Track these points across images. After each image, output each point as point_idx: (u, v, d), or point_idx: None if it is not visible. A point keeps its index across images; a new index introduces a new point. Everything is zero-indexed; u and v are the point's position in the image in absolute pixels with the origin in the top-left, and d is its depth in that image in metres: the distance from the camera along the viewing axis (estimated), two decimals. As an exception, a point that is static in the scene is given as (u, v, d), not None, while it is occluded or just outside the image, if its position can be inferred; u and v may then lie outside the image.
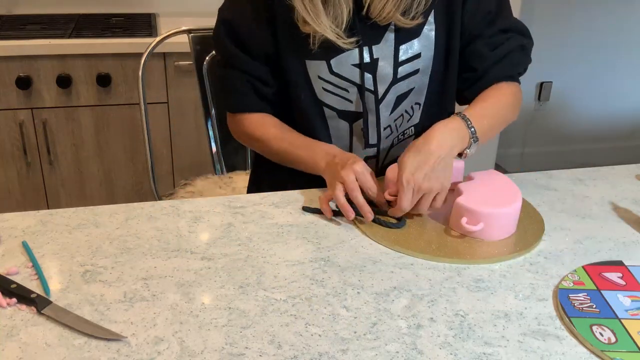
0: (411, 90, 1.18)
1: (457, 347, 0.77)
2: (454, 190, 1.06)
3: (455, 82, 1.22)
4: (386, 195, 1.05)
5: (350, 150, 1.22)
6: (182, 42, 1.55)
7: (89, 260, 0.92)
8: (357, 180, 1.03)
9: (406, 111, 1.21)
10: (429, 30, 1.15)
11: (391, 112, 1.19)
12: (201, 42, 1.53)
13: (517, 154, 3.41)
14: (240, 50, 1.17)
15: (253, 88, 1.19)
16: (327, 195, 1.05)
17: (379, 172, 1.24)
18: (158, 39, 1.48)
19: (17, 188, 2.26)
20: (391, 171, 1.05)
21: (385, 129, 1.21)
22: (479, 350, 0.76)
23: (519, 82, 1.22)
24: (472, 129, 1.06)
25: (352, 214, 1.02)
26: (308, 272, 0.91)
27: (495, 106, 1.14)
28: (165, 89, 2.23)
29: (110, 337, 0.76)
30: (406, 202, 1.00)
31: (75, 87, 2.15)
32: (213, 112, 1.59)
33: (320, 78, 1.15)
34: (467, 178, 1.08)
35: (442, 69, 1.19)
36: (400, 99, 1.18)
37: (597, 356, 0.76)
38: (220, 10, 1.19)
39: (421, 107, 1.22)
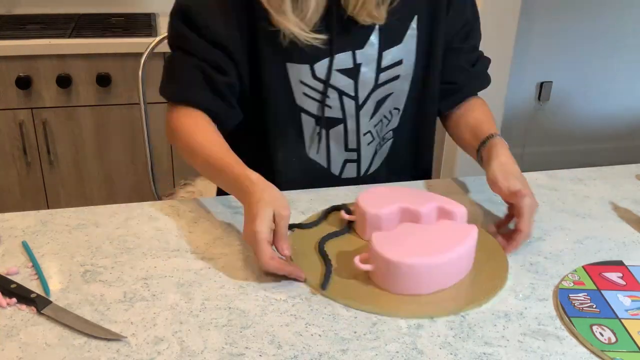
0: (389, 95, 1.17)
1: (457, 347, 0.77)
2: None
3: (437, 86, 1.22)
4: (356, 262, 0.87)
5: (328, 154, 1.18)
6: (182, 42, 1.54)
7: (89, 260, 0.92)
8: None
9: (384, 116, 1.20)
10: (411, 37, 1.14)
11: (371, 118, 1.18)
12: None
13: (517, 154, 3.40)
14: (194, 33, 1.07)
15: (202, 75, 1.07)
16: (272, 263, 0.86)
17: (360, 179, 1.22)
18: (158, 38, 1.48)
19: (17, 188, 2.26)
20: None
21: (365, 134, 1.19)
22: (479, 350, 0.76)
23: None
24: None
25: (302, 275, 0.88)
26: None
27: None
28: (165, 89, 2.22)
29: (110, 337, 0.76)
30: (527, 235, 0.96)
31: (75, 87, 2.15)
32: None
33: (301, 82, 1.11)
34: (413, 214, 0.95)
35: (423, 75, 1.19)
36: (379, 104, 1.17)
37: (597, 356, 0.76)
38: None
39: (400, 112, 1.21)
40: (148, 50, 1.47)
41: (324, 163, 1.19)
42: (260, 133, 1.17)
